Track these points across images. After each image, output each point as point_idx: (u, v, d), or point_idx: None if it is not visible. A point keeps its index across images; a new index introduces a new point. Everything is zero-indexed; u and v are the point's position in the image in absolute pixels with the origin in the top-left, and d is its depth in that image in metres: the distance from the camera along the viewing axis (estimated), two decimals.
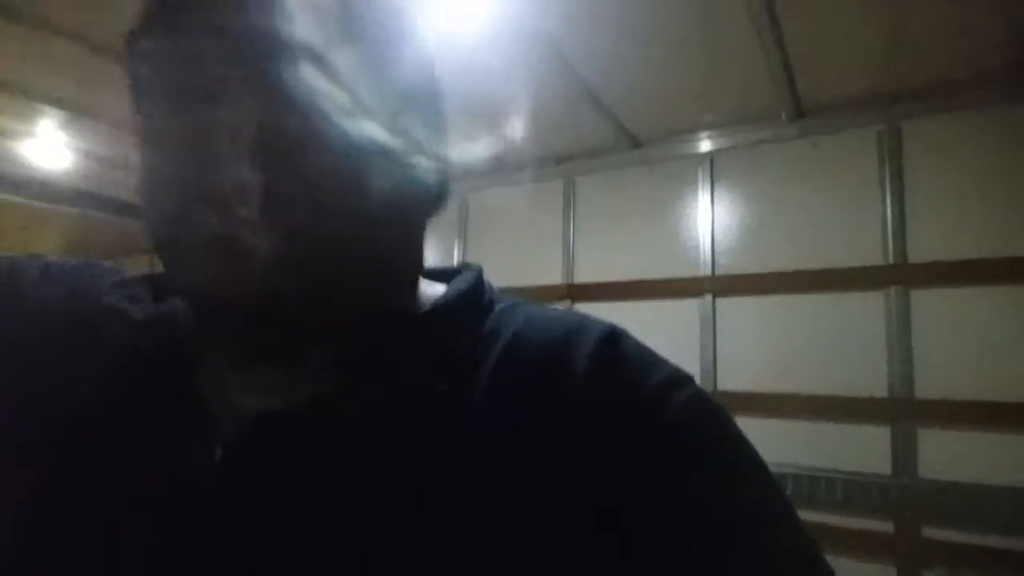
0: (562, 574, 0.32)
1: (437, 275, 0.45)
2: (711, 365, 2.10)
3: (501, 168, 2.50)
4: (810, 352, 1.95)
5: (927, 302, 1.82)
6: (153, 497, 0.34)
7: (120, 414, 0.37)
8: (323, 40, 0.32)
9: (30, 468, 0.36)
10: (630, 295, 2.29)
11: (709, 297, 2.14)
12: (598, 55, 1.76)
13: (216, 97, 0.30)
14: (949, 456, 1.73)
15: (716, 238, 2.17)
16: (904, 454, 1.77)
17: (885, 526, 1.78)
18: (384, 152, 0.33)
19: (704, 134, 2.24)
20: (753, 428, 0.38)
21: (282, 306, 0.31)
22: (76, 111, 2.19)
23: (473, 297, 0.42)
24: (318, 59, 0.31)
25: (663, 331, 2.15)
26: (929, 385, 1.78)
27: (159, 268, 0.37)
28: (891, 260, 1.87)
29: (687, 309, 2.18)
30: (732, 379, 2.06)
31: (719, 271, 2.15)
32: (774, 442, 1.89)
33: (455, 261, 1.48)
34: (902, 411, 1.80)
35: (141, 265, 3.21)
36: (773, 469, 0.35)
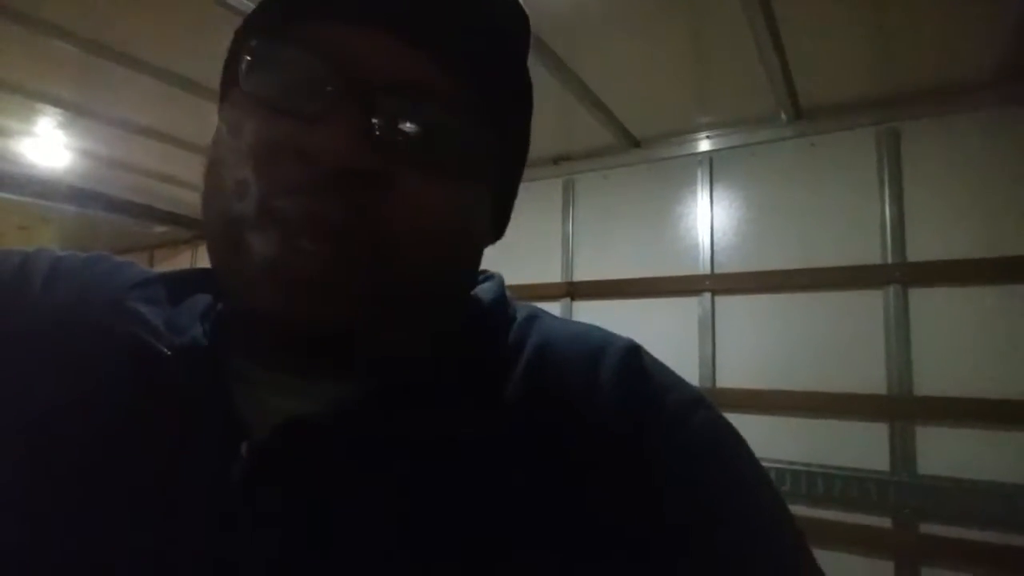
0: None
1: None
2: (710, 363, 2.10)
3: None
4: (809, 350, 1.96)
5: (925, 301, 1.82)
6: (177, 504, 0.33)
7: (137, 420, 0.36)
8: (447, 95, 0.32)
9: (43, 476, 0.34)
10: (629, 293, 2.29)
11: (708, 296, 2.15)
12: (596, 55, 1.76)
13: (319, 121, 0.30)
14: (947, 453, 1.74)
15: (715, 237, 2.18)
16: (902, 451, 1.78)
17: (883, 523, 1.79)
18: (467, 182, 0.34)
19: (703, 134, 2.24)
20: (752, 425, 0.39)
21: (343, 337, 0.31)
22: (75, 111, 2.19)
23: (498, 308, 0.42)
24: (436, 111, 0.32)
25: (662, 329, 2.16)
26: (927, 383, 1.79)
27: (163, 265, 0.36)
28: (889, 259, 1.87)
29: (686, 307, 2.18)
30: (731, 377, 2.06)
31: (718, 270, 2.15)
32: (773, 439, 1.90)
33: None
34: (900, 408, 1.80)
35: (141, 263, 3.19)
36: (772, 466, 0.36)
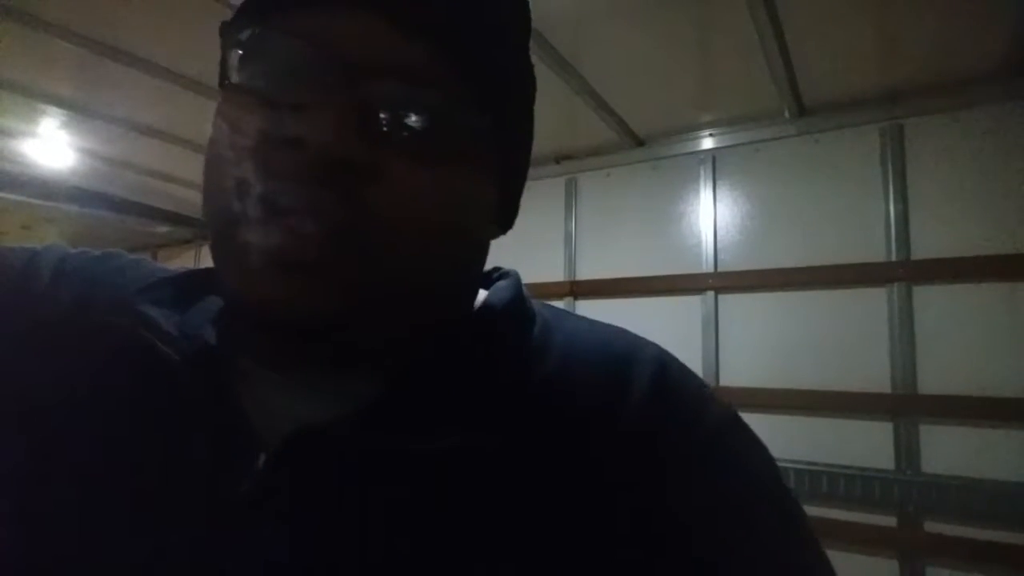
0: None
1: None
2: (714, 361, 2.10)
3: None
4: (813, 348, 1.95)
5: (930, 298, 1.81)
6: (181, 509, 0.32)
7: (141, 423, 0.35)
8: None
9: (44, 477, 0.34)
10: (633, 292, 2.29)
11: (712, 294, 2.14)
12: (599, 53, 1.76)
13: (310, 109, 0.29)
14: (952, 451, 1.73)
15: (719, 235, 2.17)
16: (907, 449, 1.77)
17: (888, 521, 1.78)
18: (467, 171, 0.33)
19: (706, 132, 2.24)
20: (756, 424, 0.38)
21: (332, 320, 0.30)
22: (78, 111, 2.20)
23: (517, 308, 0.40)
24: (426, 96, 0.31)
25: (666, 328, 2.15)
26: (932, 380, 1.78)
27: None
28: (894, 256, 1.87)
29: (690, 306, 2.18)
30: (734, 375, 2.06)
31: (721, 268, 2.15)
32: (777, 438, 1.89)
33: None
34: (905, 406, 1.80)
35: None
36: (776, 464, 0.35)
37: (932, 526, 1.73)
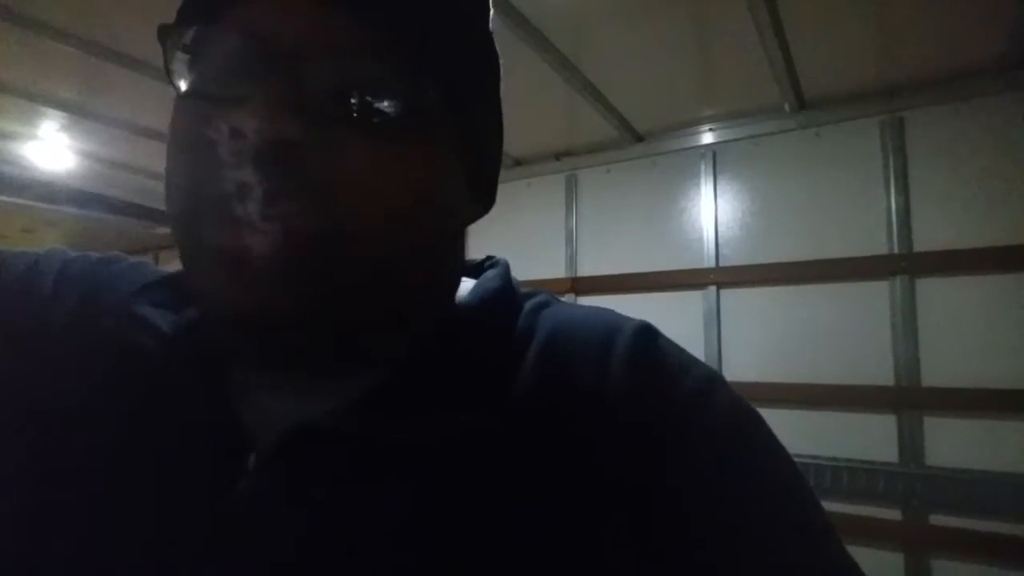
0: None
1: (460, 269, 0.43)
2: (716, 356, 2.10)
3: (503, 162, 2.49)
4: (816, 341, 1.95)
5: (932, 290, 1.81)
6: (178, 512, 0.32)
7: (139, 425, 0.35)
8: (384, 32, 0.30)
9: (44, 479, 0.34)
10: (635, 288, 2.29)
11: (713, 289, 2.14)
12: (599, 49, 1.76)
13: (245, 101, 0.29)
14: (956, 444, 1.73)
15: (720, 230, 2.17)
16: (911, 442, 1.78)
17: (892, 514, 1.78)
18: (428, 152, 0.32)
19: (706, 127, 2.23)
20: None
21: (297, 313, 0.29)
22: (78, 113, 2.20)
23: (504, 295, 0.40)
24: (375, 50, 0.30)
25: (668, 323, 2.11)
26: (935, 373, 1.78)
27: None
28: (896, 249, 1.86)
29: (692, 301, 2.18)
30: (738, 369, 2.06)
31: (723, 263, 2.15)
32: (780, 432, 1.85)
33: None
34: (908, 399, 1.80)
35: None
36: None
37: (937, 519, 1.73)
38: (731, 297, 2.13)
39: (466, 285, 0.41)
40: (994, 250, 1.73)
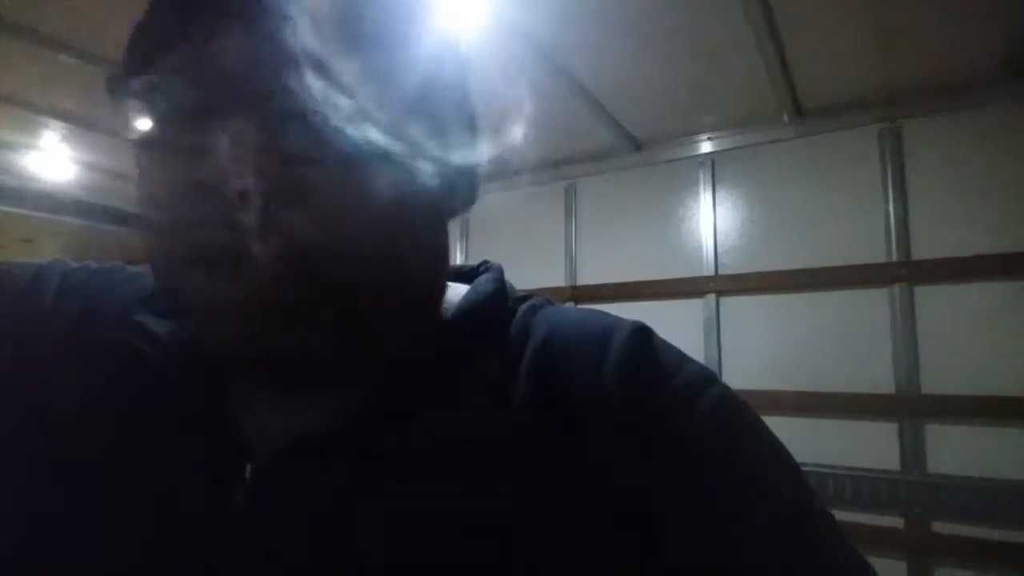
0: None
1: (455, 275, 0.43)
2: (716, 364, 2.09)
3: (502, 172, 2.51)
4: (816, 350, 1.95)
5: (932, 298, 1.81)
6: (177, 522, 0.33)
7: (139, 436, 0.36)
8: (321, 46, 0.30)
9: (45, 487, 0.34)
10: (634, 296, 2.29)
11: (713, 297, 2.14)
12: (597, 58, 1.76)
13: (213, 110, 0.29)
14: (957, 451, 1.73)
15: (719, 238, 2.18)
16: (912, 450, 1.77)
17: (895, 522, 1.78)
18: (390, 156, 0.31)
19: (705, 136, 2.24)
20: None
21: (285, 320, 0.29)
22: (78, 123, 2.20)
23: (498, 300, 0.40)
24: (317, 66, 0.29)
25: (668, 331, 2.09)
26: (935, 380, 1.78)
27: None
28: (895, 257, 1.87)
29: (691, 309, 2.18)
30: (737, 378, 2.05)
31: (722, 271, 2.15)
32: (782, 440, 1.88)
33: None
34: (909, 407, 1.79)
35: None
36: None
37: (939, 526, 1.72)
38: (731, 305, 2.13)
39: (460, 290, 0.41)
40: (993, 257, 1.74)
